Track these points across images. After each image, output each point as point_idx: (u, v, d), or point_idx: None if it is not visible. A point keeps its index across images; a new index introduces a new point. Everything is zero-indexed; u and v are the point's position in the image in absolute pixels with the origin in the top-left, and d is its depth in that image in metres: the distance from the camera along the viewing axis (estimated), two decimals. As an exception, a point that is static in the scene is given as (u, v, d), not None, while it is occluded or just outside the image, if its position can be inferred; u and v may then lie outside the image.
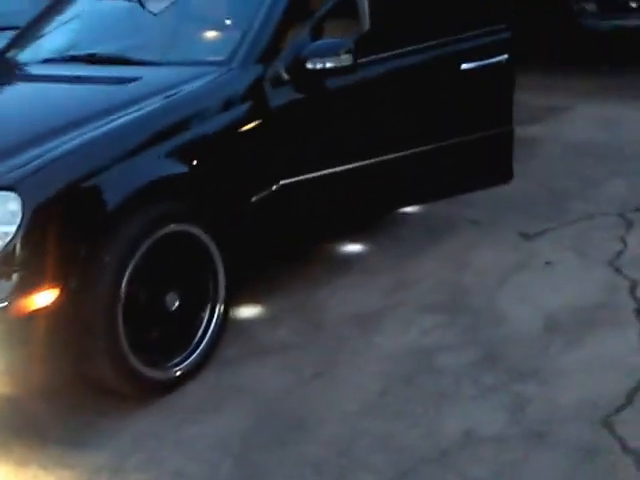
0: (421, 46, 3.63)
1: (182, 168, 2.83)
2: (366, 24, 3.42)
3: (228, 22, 3.53)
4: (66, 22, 3.88)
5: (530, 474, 2.35)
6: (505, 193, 4.51)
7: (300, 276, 3.66)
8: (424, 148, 3.68)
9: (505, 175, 3.95)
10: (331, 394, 2.82)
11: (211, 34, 3.52)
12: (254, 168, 3.14)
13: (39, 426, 2.70)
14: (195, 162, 2.89)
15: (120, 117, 2.82)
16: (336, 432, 2.60)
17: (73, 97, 3.19)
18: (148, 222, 2.70)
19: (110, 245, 2.58)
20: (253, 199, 3.17)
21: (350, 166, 3.43)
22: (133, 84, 3.18)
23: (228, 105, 3.10)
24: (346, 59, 3.18)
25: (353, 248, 4.02)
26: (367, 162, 3.50)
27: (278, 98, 3.21)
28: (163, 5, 3.53)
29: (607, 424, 2.51)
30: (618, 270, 3.60)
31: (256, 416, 2.72)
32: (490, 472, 2.36)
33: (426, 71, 3.70)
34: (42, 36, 3.88)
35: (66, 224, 2.53)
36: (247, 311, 3.43)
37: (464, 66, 3.69)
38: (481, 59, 3.70)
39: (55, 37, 3.86)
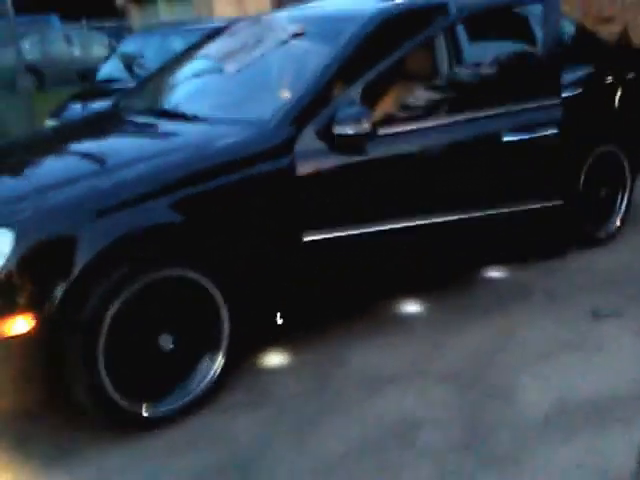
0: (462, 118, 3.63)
1: (176, 218, 3.00)
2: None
3: (279, 87, 3.67)
4: (162, 80, 4.27)
5: None
6: (605, 266, 4.28)
7: (341, 329, 3.74)
8: (462, 216, 3.61)
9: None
10: (296, 450, 2.86)
11: (262, 95, 3.69)
12: (272, 223, 3.26)
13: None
14: (195, 213, 3.06)
15: (135, 167, 3.08)
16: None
17: (115, 147, 3.52)
18: (135, 267, 2.90)
19: (95, 285, 2.81)
20: (270, 252, 3.27)
21: (368, 230, 3.45)
22: (170, 138, 3.44)
23: (252, 161, 3.24)
24: (366, 128, 3.24)
25: (411, 307, 3.99)
26: (388, 227, 3.50)
27: (306, 159, 3.30)
28: (236, 68, 3.79)
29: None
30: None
31: (217, 463, 2.83)
32: None
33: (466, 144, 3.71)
34: (141, 91, 4.32)
35: (54, 262, 2.80)
36: (268, 357, 3.54)
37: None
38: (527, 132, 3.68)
39: (148, 92, 4.27)
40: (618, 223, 4.77)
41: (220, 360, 3.18)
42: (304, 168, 3.30)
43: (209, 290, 3.10)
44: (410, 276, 3.94)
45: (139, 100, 4.20)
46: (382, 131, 3.44)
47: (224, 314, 3.16)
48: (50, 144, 3.84)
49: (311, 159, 3.32)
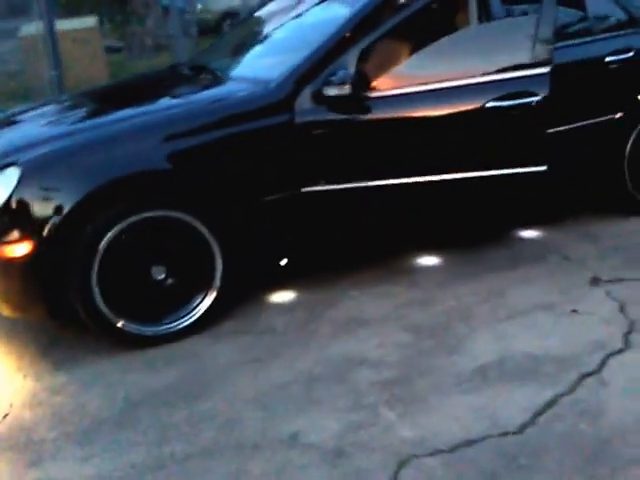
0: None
1: (169, 165, 3.51)
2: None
3: (293, 49, 4.03)
4: (222, 40, 4.82)
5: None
6: None
7: (348, 277, 4.12)
8: (442, 177, 3.82)
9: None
10: (249, 376, 3.31)
11: (278, 57, 4.08)
12: (271, 173, 3.69)
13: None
14: (192, 162, 3.56)
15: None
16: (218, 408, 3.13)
17: (145, 99, 4.12)
18: (126, 206, 3.45)
19: (92, 218, 3.39)
20: (269, 201, 3.71)
21: (362, 185, 3.77)
22: (190, 93, 4.06)
23: (255, 115, 3.68)
24: (346, 90, 3.58)
25: (424, 261, 4.27)
26: (381, 183, 3.79)
27: (304, 116, 3.69)
28: (270, 30, 4.24)
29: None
30: (629, 334, 3.35)
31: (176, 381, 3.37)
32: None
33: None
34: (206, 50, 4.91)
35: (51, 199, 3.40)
36: (272, 294, 4.01)
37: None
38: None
39: (207, 52, 4.85)
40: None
41: (213, 297, 3.67)
42: (302, 124, 3.69)
43: (204, 234, 3.59)
44: (421, 231, 4.19)
45: (200, 57, 4.79)
46: (375, 94, 3.76)
47: (218, 256, 3.63)
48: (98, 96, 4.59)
49: (308, 117, 3.71)
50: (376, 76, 3.76)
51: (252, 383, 3.25)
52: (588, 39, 4.37)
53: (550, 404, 2.90)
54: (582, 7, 4.38)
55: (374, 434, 2.82)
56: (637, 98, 4.44)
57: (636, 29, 4.49)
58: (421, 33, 3.96)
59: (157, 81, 4.67)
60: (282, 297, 3.99)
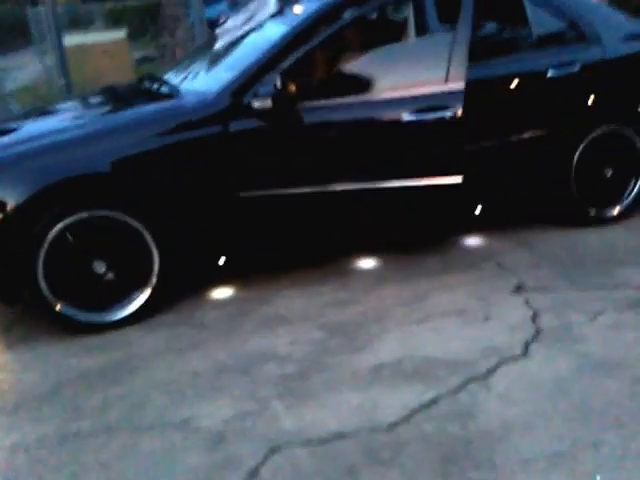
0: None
1: (107, 169, 3.79)
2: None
3: (235, 63, 4.25)
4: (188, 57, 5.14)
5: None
6: (584, 245, 4.48)
7: (288, 277, 4.37)
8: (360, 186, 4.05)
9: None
10: (167, 365, 3.57)
11: (222, 71, 4.31)
12: (209, 180, 3.95)
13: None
14: (130, 168, 3.84)
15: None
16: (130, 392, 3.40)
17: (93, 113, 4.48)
18: (70, 205, 3.75)
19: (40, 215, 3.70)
20: (207, 205, 3.98)
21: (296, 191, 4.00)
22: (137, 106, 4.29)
23: (194, 125, 3.94)
24: (268, 104, 3.81)
25: (364, 264, 4.48)
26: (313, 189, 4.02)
27: (238, 127, 3.94)
28: (221, 46, 4.51)
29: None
30: (530, 343, 3.51)
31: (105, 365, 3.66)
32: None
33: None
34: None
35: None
36: (212, 290, 4.28)
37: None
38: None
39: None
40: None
41: (149, 292, 3.94)
42: (235, 133, 3.94)
43: (143, 234, 3.87)
44: (356, 236, 4.40)
45: (169, 71, 5.06)
46: (299, 106, 3.98)
47: (155, 255, 3.91)
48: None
49: (240, 127, 3.95)
50: (300, 90, 3.96)
51: (168, 371, 3.50)
52: (528, 53, 4.48)
53: (428, 405, 3.07)
54: (524, 22, 4.48)
55: (258, 423, 3.04)
56: (583, 112, 4.54)
57: (583, 43, 4.57)
58: (341, 51, 4.26)
59: (121, 92, 4.95)
60: (220, 293, 4.24)
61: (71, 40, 8.75)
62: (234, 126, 3.92)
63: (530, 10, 4.45)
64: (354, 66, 4.04)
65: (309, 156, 4.05)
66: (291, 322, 3.84)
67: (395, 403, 3.09)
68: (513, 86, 4.33)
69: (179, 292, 4.17)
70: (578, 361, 3.27)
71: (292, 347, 3.60)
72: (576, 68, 4.46)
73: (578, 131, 4.55)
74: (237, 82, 3.98)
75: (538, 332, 3.56)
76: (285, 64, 3.96)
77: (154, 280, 3.93)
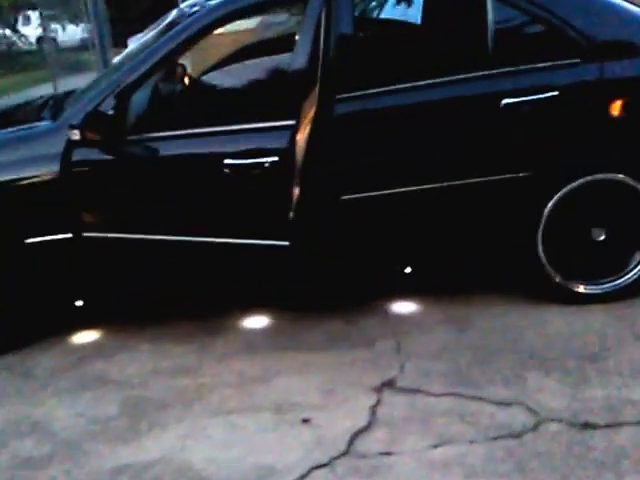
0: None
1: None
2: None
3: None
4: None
5: None
6: (549, 330, 3.48)
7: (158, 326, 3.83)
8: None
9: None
10: None
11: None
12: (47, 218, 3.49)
13: None
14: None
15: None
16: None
17: None
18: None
19: None
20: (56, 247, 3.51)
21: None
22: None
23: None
24: (75, 134, 3.23)
25: (249, 323, 3.79)
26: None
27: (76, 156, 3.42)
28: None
29: None
30: (308, 472, 2.69)
31: None
32: None
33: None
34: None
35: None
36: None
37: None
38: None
39: None
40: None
41: None
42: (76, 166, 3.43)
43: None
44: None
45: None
46: (130, 137, 3.36)
47: None
48: None
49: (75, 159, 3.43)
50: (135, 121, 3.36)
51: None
52: (483, 73, 3.45)
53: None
54: (483, 30, 3.43)
55: None
56: (562, 152, 3.46)
57: (572, 59, 3.44)
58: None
59: (18, 109, 4.59)
60: (80, 337, 3.81)
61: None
62: (75, 156, 3.39)
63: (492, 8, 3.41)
64: (177, 98, 3.35)
65: (132, 199, 3.44)
66: (102, 388, 3.33)
67: None
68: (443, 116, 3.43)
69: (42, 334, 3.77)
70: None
71: (69, 421, 3.11)
72: (554, 93, 3.38)
73: (549, 178, 3.46)
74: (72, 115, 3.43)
75: (342, 455, 2.71)
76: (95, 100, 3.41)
77: None
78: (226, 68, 3.73)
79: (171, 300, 3.88)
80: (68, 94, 4.18)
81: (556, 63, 3.45)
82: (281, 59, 3.75)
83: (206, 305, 3.91)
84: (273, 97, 3.17)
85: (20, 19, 16.88)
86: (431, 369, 3.21)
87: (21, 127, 3.70)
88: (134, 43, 4.04)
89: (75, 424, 3.07)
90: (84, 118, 3.23)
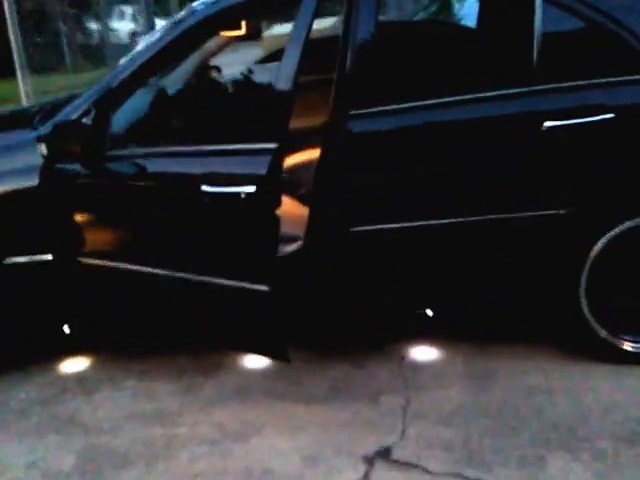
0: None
1: None
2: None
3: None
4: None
5: None
6: (584, 399, 2.95)
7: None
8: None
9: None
10: None
11: None
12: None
13: None
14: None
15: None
16: None
17: None
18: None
19: None
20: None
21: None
22: None
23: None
24: (42, 149, 2.90)
25: (251, 361, 3.38)
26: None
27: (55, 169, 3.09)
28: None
29: None
30: None
31: None
32: None
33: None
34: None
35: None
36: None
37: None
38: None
39: None
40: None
41: None
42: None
43: None
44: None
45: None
46: (111, 153, 2.98)
47: None
48: None
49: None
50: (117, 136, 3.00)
51: None
52: (524, 90, 2.93)
53: None
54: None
55: None
56: (615, 186, 2.92)
57: (634, 76, 2.90)
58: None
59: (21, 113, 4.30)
60: (70, 366, 3.51)
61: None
62: (54, 169, 3.06)
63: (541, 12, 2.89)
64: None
65: (109, 219, 3.07)
66: (68, 431, 3.01)
67: None
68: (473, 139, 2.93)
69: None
70: None
71: (19, 473, 2.78)
72: (610, 115, 2.84)
73: (601, 216, 2.93)
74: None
75: None
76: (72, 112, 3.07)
77: None
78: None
79: (169, 330, 3.50)
80: (71, 98, 3.85)
81: (613, 79, 2.89)
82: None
83: (205, 338, 3.51)
84: (255, 115, 2.74)
85: (115, 13, 16.93)
86: (436, 438, 2.74)
87: (6, 134, 3.39)
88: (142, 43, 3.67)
89: (25, 478, 2.73)
90: (52, 129, 2.87)
